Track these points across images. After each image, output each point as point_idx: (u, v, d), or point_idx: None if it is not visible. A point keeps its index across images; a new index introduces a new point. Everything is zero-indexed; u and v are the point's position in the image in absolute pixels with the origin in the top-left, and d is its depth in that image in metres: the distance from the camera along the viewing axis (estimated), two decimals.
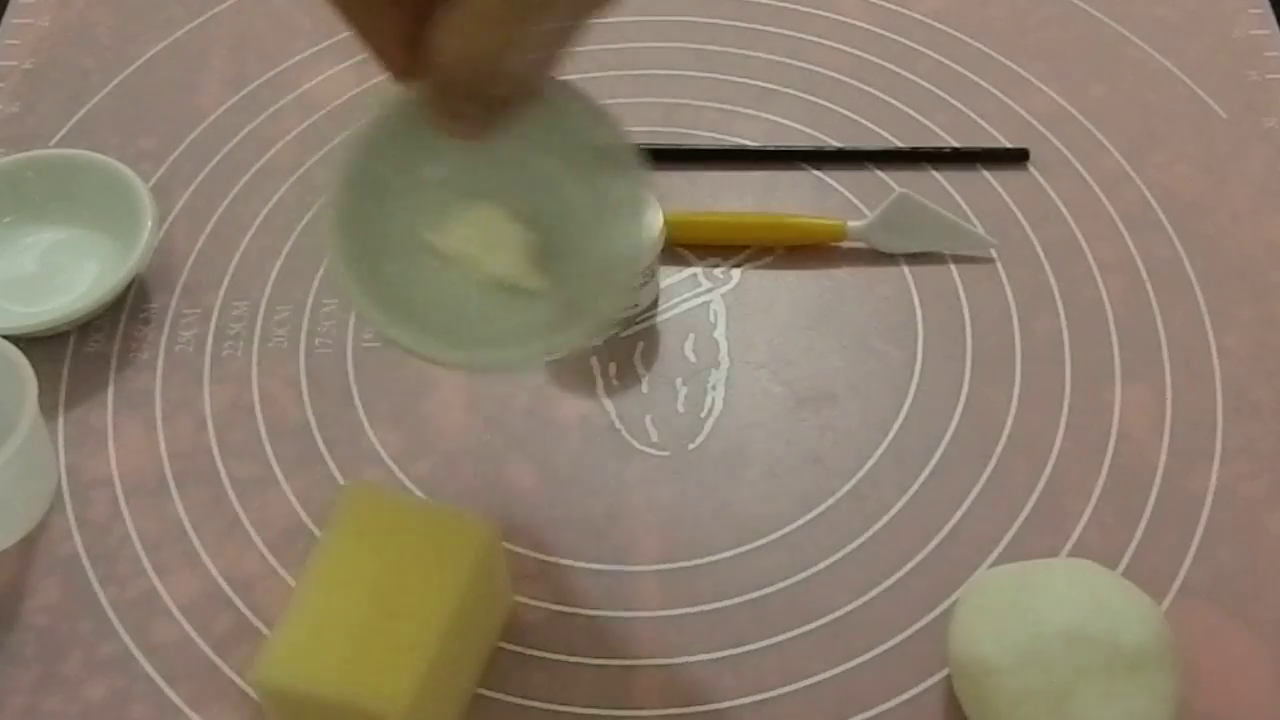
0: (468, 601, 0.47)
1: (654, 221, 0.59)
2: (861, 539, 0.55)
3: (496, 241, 0.45)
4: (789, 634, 0.53)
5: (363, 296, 0.43)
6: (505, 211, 0.45)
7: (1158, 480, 0.57)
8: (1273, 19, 0.74)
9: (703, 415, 0.59)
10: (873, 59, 0.72)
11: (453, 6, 0.38)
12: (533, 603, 0.54)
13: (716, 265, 0.64)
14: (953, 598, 0.53)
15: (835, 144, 0.68)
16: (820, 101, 0.70)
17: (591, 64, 0.71)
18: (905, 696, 0.51)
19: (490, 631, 0.52)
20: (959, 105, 0.70)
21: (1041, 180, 0.67)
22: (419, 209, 0.45)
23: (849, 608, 0.54)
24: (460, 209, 0.45)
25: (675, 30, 0.73)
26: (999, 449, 0.58)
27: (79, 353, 0.62)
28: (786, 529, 0.56)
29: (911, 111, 0.70)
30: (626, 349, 0.61)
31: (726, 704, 0.51)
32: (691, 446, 0.58)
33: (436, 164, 0.44)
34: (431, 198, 0.45)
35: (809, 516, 0.56)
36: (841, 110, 0.70)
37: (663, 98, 0.70)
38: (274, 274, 0.64)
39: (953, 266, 0.64)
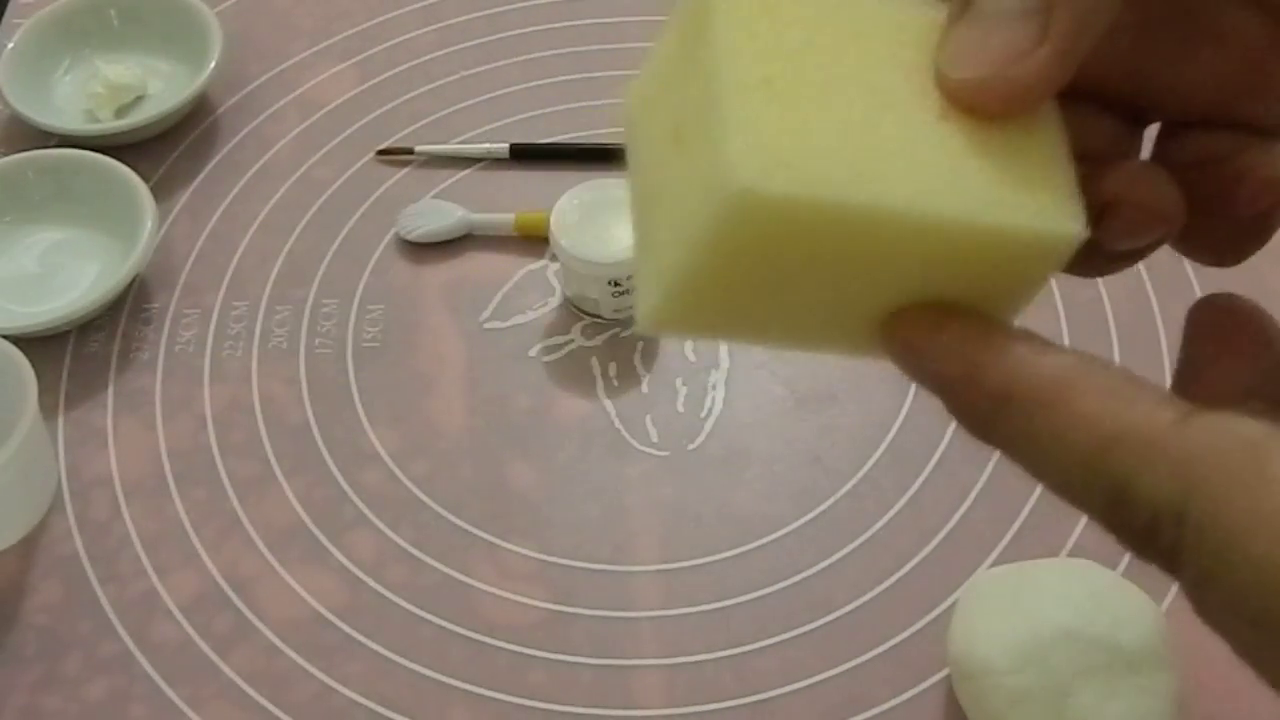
0: None
1: None
2: (861, 539, 0.55)
3: None
4: (789, 634, 0.53)
5: None
6: None
7: None
8: None
9: (703, 415, 0.59)
10: None
11: None
12: (533, 603, 0.54)
13: None
14: (953, 598, 0.53)
15: None
16: None
17: (593, 64, 0.71)
18: (905, 696, 0.51)
19: None
20: None
21: None
22: None
23: (849, 608, 0.54)
24: None
25: None
26: None
27: (79, 353, 0.62)
28: (786, 529, 0.56)
29: None
30: (626, 349, 0.61)
31: (726, 704, 0.51)
32: (691, 446, 0.58)
33: None
34: None
35: (809, 516, 0.56)
36: None
37: None
38: (274, 274, 0.64)
39: None
